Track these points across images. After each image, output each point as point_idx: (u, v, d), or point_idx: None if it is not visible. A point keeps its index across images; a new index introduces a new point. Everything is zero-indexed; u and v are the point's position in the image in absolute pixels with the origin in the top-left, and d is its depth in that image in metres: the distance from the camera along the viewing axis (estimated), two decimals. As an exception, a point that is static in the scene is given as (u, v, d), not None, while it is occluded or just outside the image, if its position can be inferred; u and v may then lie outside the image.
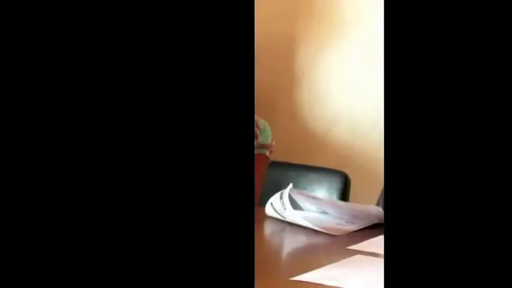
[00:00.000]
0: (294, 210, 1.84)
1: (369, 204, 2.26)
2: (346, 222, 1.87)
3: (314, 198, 2.01)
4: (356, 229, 1.82)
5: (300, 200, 1.93)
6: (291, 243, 1.78)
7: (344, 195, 2.61)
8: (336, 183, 2.63)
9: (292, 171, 2.68)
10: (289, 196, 1.85)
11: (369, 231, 1.82)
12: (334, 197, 2.59)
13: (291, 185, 1.86)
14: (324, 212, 1.96)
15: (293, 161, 2.85)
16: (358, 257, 1.57)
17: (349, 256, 1.56)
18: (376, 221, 1.87)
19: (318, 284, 1.38)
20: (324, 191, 2.62)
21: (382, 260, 1.55)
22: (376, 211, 1.93)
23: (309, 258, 1.63)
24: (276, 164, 2.41)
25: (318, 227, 1.77)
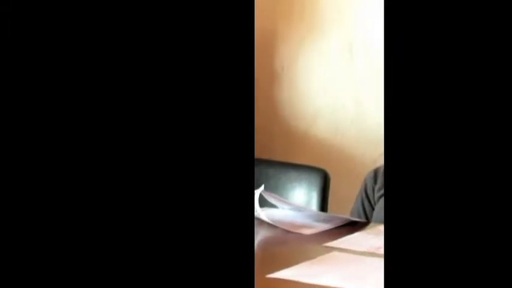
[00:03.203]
0: (261, 208, 1.84)
1: (349, 202, 2.28)
2: (322, 220, 1.87)
3: (285, 201, 2.01)
4: (331, 227, 1.82)
5: (272, 200, 1.94)
6: (267, 240, 1.78)
7: (324, 193, 2.61)
8: (316, 181, 2.62)
9: (271, 169, 2.67)
10: (261, 196, 1.85)
11: (345, 228, 1.82)
12: (314, 194, 2.59)
13: (262, 187, 1.86)
14: (298, 210, 1.96)
15: (273, 158, 2.85)
16: (334, 253, 1.57)
17: (326, 253, 1.57)
18: (350, 220, 1.87)
19: (295, 281, 1.38)
20: (303, 188, 2.62)
21: (359, 257, 1.56)
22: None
23: (286, 255, 1.64)
24: (256, 162, 2.41)
25: (288, 226, 1.78)
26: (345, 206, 2.27)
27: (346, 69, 3.08)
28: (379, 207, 2.09)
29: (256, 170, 2.68)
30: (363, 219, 2.09)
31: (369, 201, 2.16)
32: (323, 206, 2.49)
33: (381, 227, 1.79)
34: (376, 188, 2.15)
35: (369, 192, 2.17)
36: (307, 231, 1.76)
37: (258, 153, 2.34)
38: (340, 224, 1.85)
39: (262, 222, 1.80)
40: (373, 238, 1.70)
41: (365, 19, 3.01)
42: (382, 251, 1.55)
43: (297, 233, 1.75)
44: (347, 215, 2.06)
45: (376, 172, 2.18)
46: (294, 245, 1.71)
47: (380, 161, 2.33)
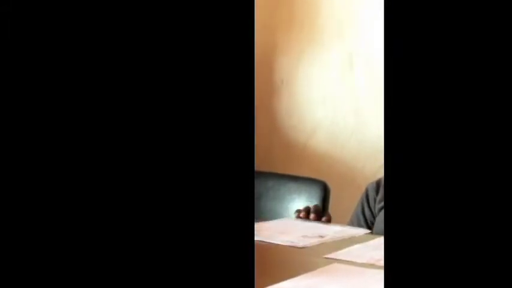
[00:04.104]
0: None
1: (349, 214, 2.27)
2: (318, 235, 1.87)
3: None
4: (323, 242, 1.81)
5: None
6: (266, 251, 1.78)
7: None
8: (316, 193, 2.63)
9: (271, 181, 2.67)
10: None
11: (346, 240, 1.82)
12: (314, 206, 2.59)
13: None
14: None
15: (273, 170, 2.85)
16: (334, 265, 1.57)
17: (326, 265, 1.56)
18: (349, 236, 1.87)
19: (294, 292, 1.37)
20: (303, 200, 2.62)
21: (359, 269, 1.56)
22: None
23: (285, 267, 1.63)
24: (256, 174, 2.41)
25: (282, 240, 1.78)
26: (345, 217, 2.27)
27: (346, 81, 3.08)
28: (380, 219, 2.09)
29: (256, 182, 2.69)
30: (364, 227, 2.10)
31: (370, 209, 2.16)
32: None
33: (381, 239, 1.79)
34: (378, 199, 2.15)
35: (371, 200, 2.17)
36: (295, 245, 1.76)
37: (258, 165, 2.34)
38: (338, 238, 1.84)
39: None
40: (373, 250, 1.69)
41: (365, 31, 3.02)
42: (382, 263, 1.55)
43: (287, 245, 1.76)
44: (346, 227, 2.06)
45: (378, 183, 2.19)
46: (294, 257, 1.71)
47: (381, 173, 2.34)
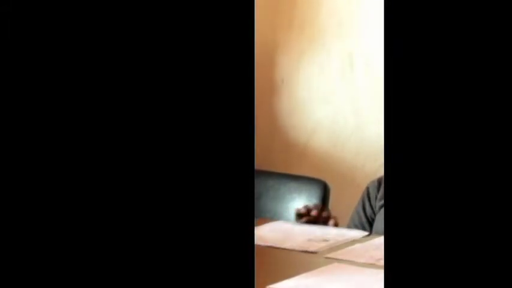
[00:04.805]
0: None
1: (349, 213, 2.27)
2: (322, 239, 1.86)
3: None
4: (331, 246, 1.80)
5: None
6: (268, 250, 1.78)
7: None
8: (316, 192, 2.62)
9: (271, 180, 2.67)
10: None
11: (348, 242, 1.82)
12: (314, 205, 2.59)
13: None
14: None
15: (273, 170, 2.85)
16: (335, 265, 1.57)
17: (326, 264, 1.57)
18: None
19: (294, 292, 1.37)
20: (303, 200, 2.61)
21: (359, 268, 1.56)
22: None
23: (286, 266, 1.63)
24: (256, 173, 2.40)
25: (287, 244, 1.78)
26: (345, 217, 2.27)
27: (346, 81, 3.08)
28: (380, 217, 2.09)
29: (256, 181, 2.68)
30: (365, 224, 2.10)
31: (371, 206, 2.16)
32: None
33: (381, 239, 1.79)
34: (379, 197, 2.15)
35: (372, 198, 2.17)
36: (302, 249, 1.75)
37: (258, 164, 2.34)
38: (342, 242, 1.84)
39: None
40: (373, 249, 1.70)
41: (365, 31, 3.02)
42: (382, 263, 1.56)
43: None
44: (346, 227, 2.06)
45: (380, 181, 2.19)
46: (294, 257, 1.71)
47: (381, 172, 2.34)
